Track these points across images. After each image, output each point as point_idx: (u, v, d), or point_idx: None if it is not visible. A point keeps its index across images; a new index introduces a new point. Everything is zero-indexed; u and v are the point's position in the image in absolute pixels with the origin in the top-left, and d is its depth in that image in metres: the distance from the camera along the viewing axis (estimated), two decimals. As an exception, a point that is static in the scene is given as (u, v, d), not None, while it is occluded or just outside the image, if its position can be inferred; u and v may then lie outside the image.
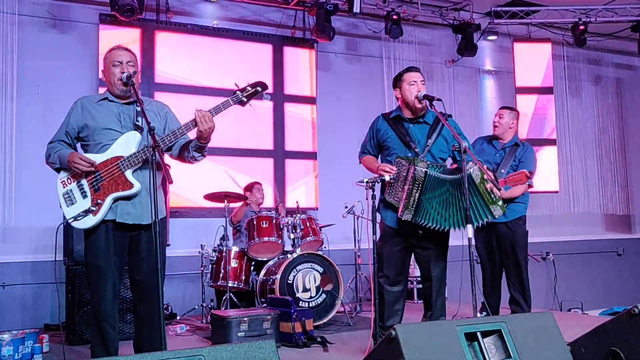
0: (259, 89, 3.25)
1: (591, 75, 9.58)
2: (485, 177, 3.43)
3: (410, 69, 3.81)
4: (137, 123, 3.18)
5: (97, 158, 3.13)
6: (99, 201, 3.09)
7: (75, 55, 6.43)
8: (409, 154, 3.64)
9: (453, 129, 3.59)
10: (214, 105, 3.16)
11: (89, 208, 3.08)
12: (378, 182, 3.70)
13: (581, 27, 8.13)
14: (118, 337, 3.21)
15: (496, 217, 3.49)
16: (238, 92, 3.21)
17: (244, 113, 6.75)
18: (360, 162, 4.03)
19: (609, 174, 9.49)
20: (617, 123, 9.71)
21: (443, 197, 3.46)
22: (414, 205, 3.47)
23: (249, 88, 3.23)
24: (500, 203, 3.46)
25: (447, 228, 3.48)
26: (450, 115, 3.83)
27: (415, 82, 3.71)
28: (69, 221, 3.12)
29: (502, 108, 5.13)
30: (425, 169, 3.45)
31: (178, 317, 5.99)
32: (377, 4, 7.56)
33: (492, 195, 3.45)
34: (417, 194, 3.46)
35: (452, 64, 8.49)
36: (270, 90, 7.05)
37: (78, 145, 3.32)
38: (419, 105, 3.69)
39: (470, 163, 3.41)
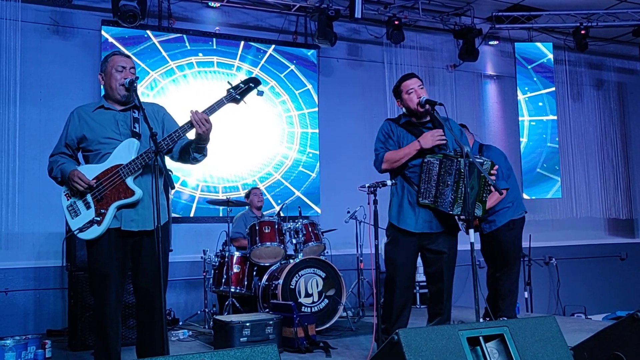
0: (251, 85, 3.18)
1: (593, 79, 9.58)
2: (490, 175, 3.43)
3: (405, 77, 3.75)
4: (134, 130, 3.16)
5: (98, 168, 3.12)
6: (102, 211, 3.07)
7: (77, 61, 6.45)
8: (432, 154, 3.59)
9: (454, 130, 3.58)
10: (208, 106, 3.10)
11: (93, 218, 3.07)
12: (380, 187, 3.69)
13: (583, 32, 8.15)
14: (120, 343, 3.21)
15: (475, 215, 3.47)
16: (231, 90, 3.15)
17: (245, 116, 6.84)
18: (381, 168, 3.75)
19: (611, 178, 9.47)
20: (619, 127, 9.71)
21: (472, 183, 3.44)
22: (462, 198, 3.41)
23: (241, 85, 3.17)
24: (483, 205, 3.49)
25: (479, 214, 3.51)
26: (447, 119, 3.81)
27: (413, 89, 3.66)
28: (75, 233, 3.10)
29: None
30: (468, 160, 3.36)
31: (180, 323, 5.98)
32: (379, 9, 7.58)
33: (483, 194, 3.47)
34: (463, 187, 3.39)
35: (453, 69, 8.51)
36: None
37: (80, 155, 3.31)
38: (422, 110, 3.63)
39: (481, 157, 3.44)
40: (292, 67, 7.46)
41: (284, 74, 7.41)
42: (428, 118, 3.72)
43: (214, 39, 7.09)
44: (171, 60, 6.86)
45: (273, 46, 7.38)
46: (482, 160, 3.47)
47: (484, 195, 3.48)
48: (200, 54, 7.01)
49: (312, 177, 7.37)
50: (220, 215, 6.77)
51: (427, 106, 3.60)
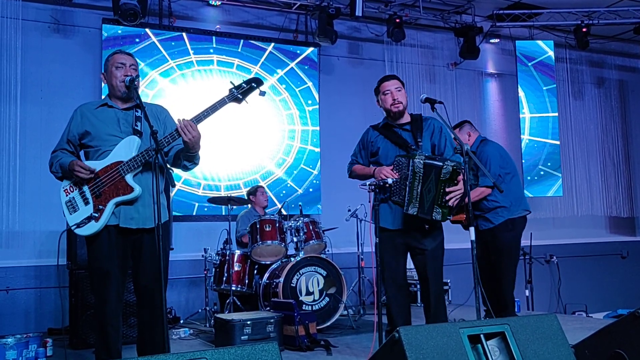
0: (254, 85, 3.19)
1: (594, 77, 9.57)
2: (455, 180, 3.36)
3: (384, 79, 3.87)
4: (136, 128, 3.17)
5: (98, 164, 3.13)
6: (101, 207, 3.08)
7: (78, 59, 6.45)
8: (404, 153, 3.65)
9: (434, 130, 3.61)
10: (210, 105, 3.10)
11: (91, 214, 3.08)
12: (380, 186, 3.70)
13: (584, 30, 8.13)
14: (121, 341, 3.21)
15: (433, 218, 3.45)
16: (233, 89, 3.17)
17: (246, 115, 6.83)
18: (349, 175, 4.05)
19: (612, 176, 9.47)
20: (620, 125, 9.70)
21: (429, 185, 3.45)
22: (418, 199, 3.46)
23: (243, 85, 3.18)
24: (444, 210, 3.41)
25: (437, 218, 3.45)
26: (428, 119, 3.83)
27: (389, 91, 3.76)
28: (72, 228, 3.11)
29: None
30: (423, 160, 3.45)
31: (181, 321, 5.99)
32: (380, 7, 7.57)
33: (442, 199, 3.41)
34: (419, 187, 3.45)
35: (454, 67, 8.49)
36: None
37: (81, 152, 3.32)
38: (395, 111, 3.74)
39: (449, 161, 3.39)
40: (310, 84, 7.48)
41: (300, 89, 7.43)
42: (408, 120, 3.79)
43: (241, 41, 7.14)
44: (194, 55, 6.94)
45: (307, 53, 7.42)
46: (442, 164, 3.40)
47: (442, 200, 3.40)
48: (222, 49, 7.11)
49: (299, 193, 7.33)
50: (195, 213, 6.78)
51: (401, 107, 3.71)
